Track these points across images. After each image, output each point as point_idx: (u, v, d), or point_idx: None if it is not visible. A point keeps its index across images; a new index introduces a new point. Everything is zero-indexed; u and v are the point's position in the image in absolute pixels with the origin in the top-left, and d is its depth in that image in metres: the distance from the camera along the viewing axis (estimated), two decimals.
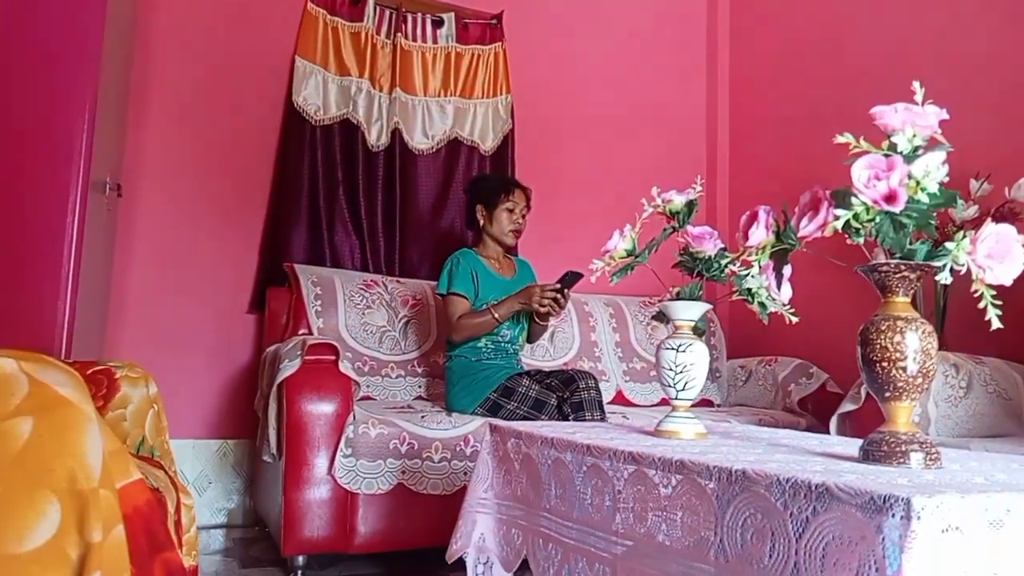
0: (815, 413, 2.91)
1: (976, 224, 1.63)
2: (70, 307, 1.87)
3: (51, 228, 1.86)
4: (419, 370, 2.83)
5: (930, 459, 1.01)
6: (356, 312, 2.77)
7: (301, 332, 2.64)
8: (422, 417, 2.29)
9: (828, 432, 2.25)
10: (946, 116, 0.98)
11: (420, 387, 2.81)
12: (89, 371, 1.43)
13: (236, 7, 3.01)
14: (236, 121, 3.00)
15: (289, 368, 2.17)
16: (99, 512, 0.68)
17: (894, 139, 0.99)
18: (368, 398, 2.64)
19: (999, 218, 2.23)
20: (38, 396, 0.69)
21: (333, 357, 2.23)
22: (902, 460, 1.00)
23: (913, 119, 0.97)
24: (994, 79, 2.64)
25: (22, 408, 0.67)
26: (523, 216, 2.66)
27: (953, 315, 2.39)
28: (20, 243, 1.86)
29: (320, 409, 2.17)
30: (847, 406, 2.21)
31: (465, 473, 2.22)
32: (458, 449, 2.26)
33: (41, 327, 1.84)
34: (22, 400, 0.68)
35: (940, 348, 2.25)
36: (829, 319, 2.68)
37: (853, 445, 1.18)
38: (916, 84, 0.98)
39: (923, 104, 0.98)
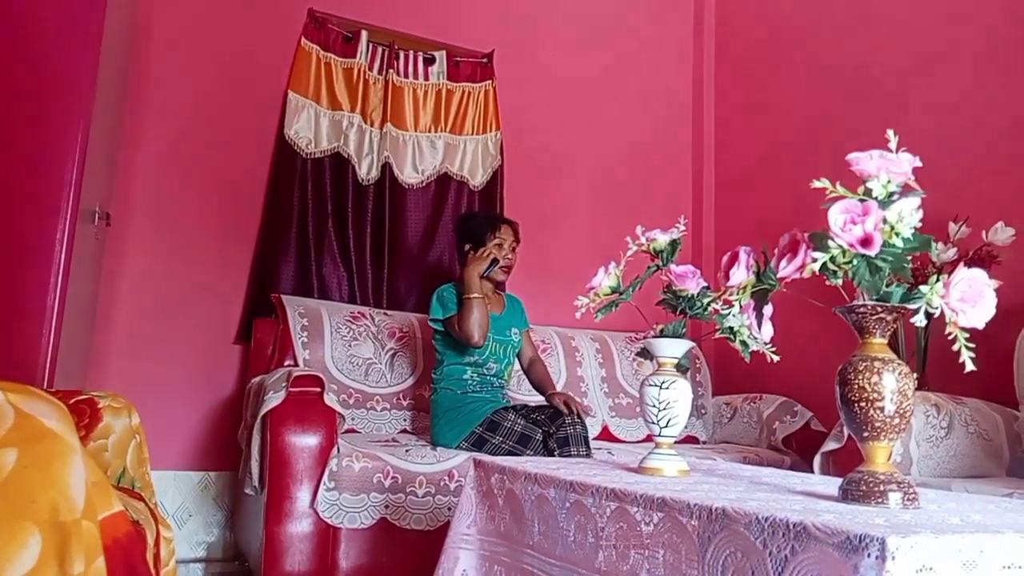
0: (799, 451, 2.92)
1: (955, 267, 1.66)
2: (54, 336, 1.86)
3: (38, 257, 1.85)
4: (405, 403, 2.82)
5: (908, 499, 1.02)
6: (343, 344, 2.77)
7: (287, 363, 2.64)
8: (406, 451, 2.28)
9: (812, 470, 2.26)
10: (919, 163, 1.01)
11: (405, 420, 2.80)
12: (72, 401, 1.42)
13: (231, 41, 3.06)
14: (227, 152, 3.02)
15: (274, 400, 2.16)
16: (81, 544, 0.67)
17: (869, 185, 1.02)
18: (353, 431, 2.63)
19: (976, 261, 2.27)
20: (24, 428, 0.69)
21: (318, 389, 2.22)
22: (880, 500, 1.01)
23: (888, 166, 1.00)
24: (975, 123, 2.71)
25: (7, 440, 0.68)
26: (512, 251, 2.67)
27: (934, 355, 2.42)
28: (6, 271, 1.85)
29: (304, 442, 2.15)
30: (830, 444, 2.22)
31: (449, 508, 2.20)
32: (442, 484, 2.25)
33: (24, 355, 1.82)
34: (7, 431, 0.68)
35: (921, 388, 2.30)
36: (813, 357, 2.71)
37: (834, 484, 1.19)
38: (890, 132, 1.02)
39: (897, 151, 1.01)
